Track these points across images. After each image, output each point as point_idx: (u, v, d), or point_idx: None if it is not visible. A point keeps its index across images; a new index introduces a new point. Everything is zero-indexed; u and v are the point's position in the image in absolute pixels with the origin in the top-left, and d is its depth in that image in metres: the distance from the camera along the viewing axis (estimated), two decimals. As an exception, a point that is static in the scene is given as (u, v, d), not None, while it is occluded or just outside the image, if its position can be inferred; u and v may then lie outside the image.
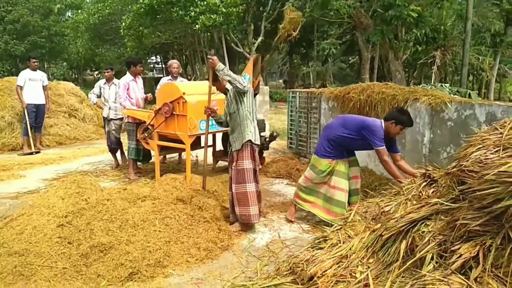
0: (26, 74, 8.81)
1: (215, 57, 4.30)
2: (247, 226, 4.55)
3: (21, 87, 8.69)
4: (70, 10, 34.92)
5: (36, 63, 9.00)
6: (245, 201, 4.39)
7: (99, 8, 22.79)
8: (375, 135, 4.18)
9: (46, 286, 3.33)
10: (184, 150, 5.95)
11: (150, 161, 7.06)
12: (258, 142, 4.50)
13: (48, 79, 9.51)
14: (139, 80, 6.72)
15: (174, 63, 7.15)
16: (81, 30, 25.85)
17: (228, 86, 4.47)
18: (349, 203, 4.46)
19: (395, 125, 4.19)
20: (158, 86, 6.91)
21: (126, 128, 6.75)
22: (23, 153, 8.59)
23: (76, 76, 39.23)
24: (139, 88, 6.67)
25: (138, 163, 6.96)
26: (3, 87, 9.88)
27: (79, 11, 31.82)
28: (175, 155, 7.67)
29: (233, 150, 4.52)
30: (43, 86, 9.04)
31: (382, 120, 4.30)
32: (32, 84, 8.78)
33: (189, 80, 21.16)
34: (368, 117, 4.60)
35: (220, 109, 5.33)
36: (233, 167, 4.49)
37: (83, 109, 11.20)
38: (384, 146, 4.17)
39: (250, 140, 4.38)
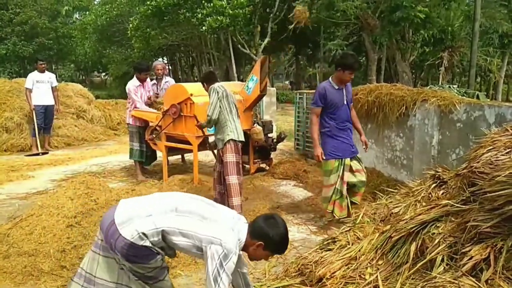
0: (33, 76, 8.86)
1: (199, 124, 5.14)
2: None
3: (30, 90, 8.76)
4: (77, 12, 35.10)
5: (43, 66, 9.04)
6: (230, 192, 4.77)
7: (107, 9, 22.88)
8: (314, 96, 4.51)
9: (55, 286, 3.35)
10: (190, 151, 5.97)
11: (153, 163, 7.13)
12: (241, 139, 4.89)
13: (56, 80, 9.56)
14: (147, 84, 6.75)
15: (158, 65, 7.07)
16: (88, 31, 25.96)
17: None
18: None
19: (343, 71, 4.33)
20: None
21: (128, 130, 6.80)
22: (29, 154, 8.63)
23: (84, 77, 39.41)
24: (146, 92, 6.71)
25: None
26: (12, 88, 9.95)
27: (87, 12, 31.96)
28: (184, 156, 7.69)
29: (218, 148, 4.99)
30: (52, 87, 9.09)
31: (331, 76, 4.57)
32: (40, 86, 8.84)
33: (195, 81, 21.17)
34: None
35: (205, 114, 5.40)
36: (222, 163, 4.92)
37: (91, 111, 11.26)
38: (316, 107, 4.44)
39: (231, 139, 4.77)
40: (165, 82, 6.91)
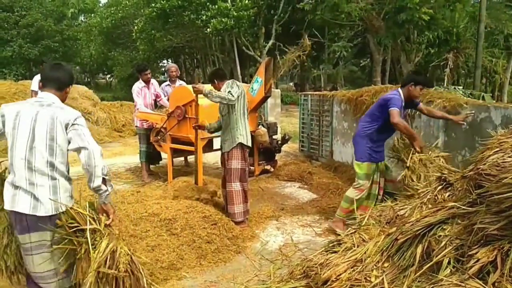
0: (39, 78, 8.90)
1: (198, 85, 4.65)
2: (245, 223, 4.65)
3: (36, 92, 8.80)
4: (83, 15, 35.28)
5: None
6: (231, 199, 4.59)
7: (112, 12, 23.00)
8: (392, 101, 4.17)
9: (61, 287, 3.35)
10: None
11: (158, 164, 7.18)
12: (249, 144, 4.67)
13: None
14: (152, 86, 6.78)
15: (172, 67, 7.25)
16: (94, 34, 26.12)
17: (222, 89, 4.52)
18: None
19: (414, 86, 4.27)
20: (160, 91, 7.00)
21: (136, 132, 6.92)
22: None
23: (89, 79, 39.59)
24: (151, 94, 6.74)
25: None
26: (18, 91, 10.03)
27: (92, 15, 32.14)
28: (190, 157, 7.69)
29: (223, 151, 4.73)
30: (57, 89, 9.14)
31: (399, 88, 4.37)
32: (45, 88, 8.91)
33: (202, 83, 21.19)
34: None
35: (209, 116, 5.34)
36: (225, 167, 4.69)
37: (96, 112, 11.32)
38: (397, 109, 4.11)
39: (240, 143, 4.56)
40: (179, 84, 6.99)
